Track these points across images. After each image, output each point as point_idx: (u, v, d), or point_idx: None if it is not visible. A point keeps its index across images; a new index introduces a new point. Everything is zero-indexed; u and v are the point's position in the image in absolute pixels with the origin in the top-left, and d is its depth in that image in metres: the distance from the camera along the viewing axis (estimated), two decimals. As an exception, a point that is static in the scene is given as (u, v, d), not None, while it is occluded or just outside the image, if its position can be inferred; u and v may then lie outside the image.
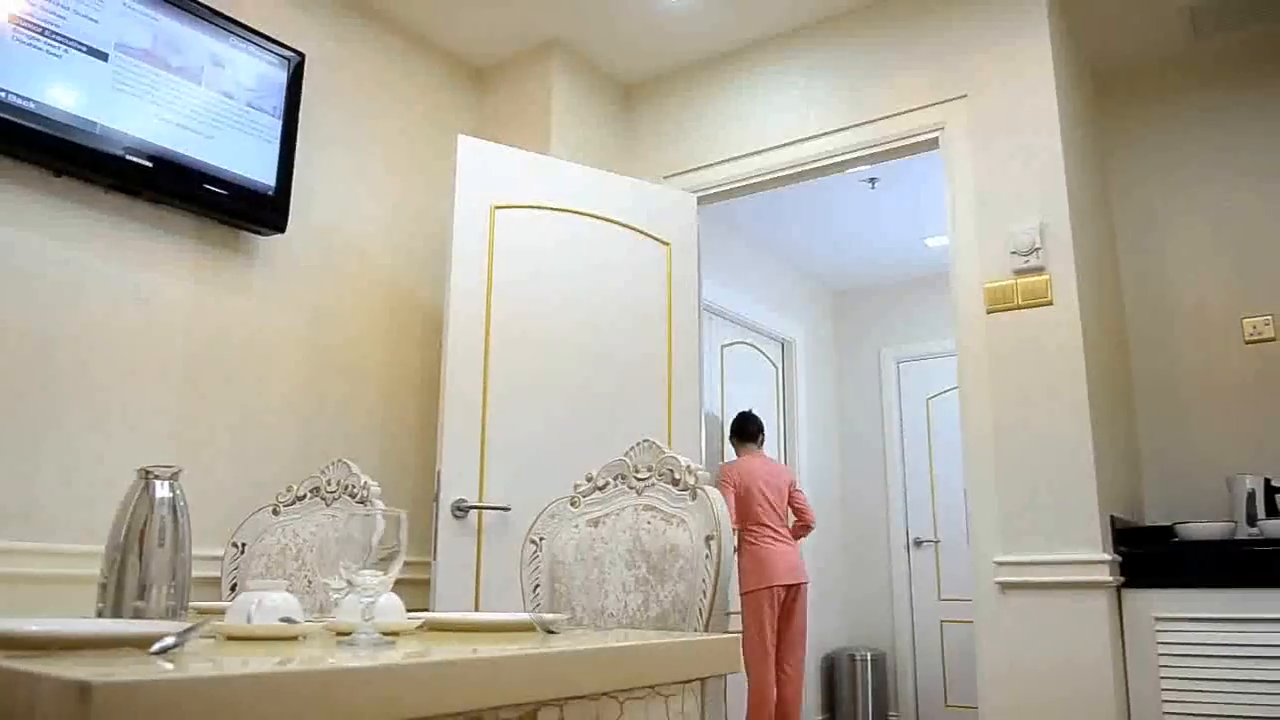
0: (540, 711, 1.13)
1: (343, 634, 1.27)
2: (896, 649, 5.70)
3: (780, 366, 5.74)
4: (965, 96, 2.99)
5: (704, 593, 1.79)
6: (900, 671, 5.69)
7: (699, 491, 1.88)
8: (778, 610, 4.30)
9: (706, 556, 1.81)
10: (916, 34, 3.15)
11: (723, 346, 5.24)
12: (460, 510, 2.76)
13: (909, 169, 4.38)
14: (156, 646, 1.01)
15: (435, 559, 2.72)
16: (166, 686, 0.79)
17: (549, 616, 1.45)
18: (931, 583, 5.64)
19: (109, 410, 2.45)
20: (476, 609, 2.70)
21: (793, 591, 4.36)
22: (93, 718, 0.74)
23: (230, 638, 1.26)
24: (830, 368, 6.25)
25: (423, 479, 3.19)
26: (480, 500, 2.79)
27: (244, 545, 2.44)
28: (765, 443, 4.80)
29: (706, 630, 1.76)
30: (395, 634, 1.38)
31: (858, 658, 5.51)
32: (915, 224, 5.20)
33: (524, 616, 1.46)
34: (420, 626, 1.44)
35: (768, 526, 4.40)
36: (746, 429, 4.69)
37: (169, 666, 0.92)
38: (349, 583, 1.20)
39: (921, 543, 5.35)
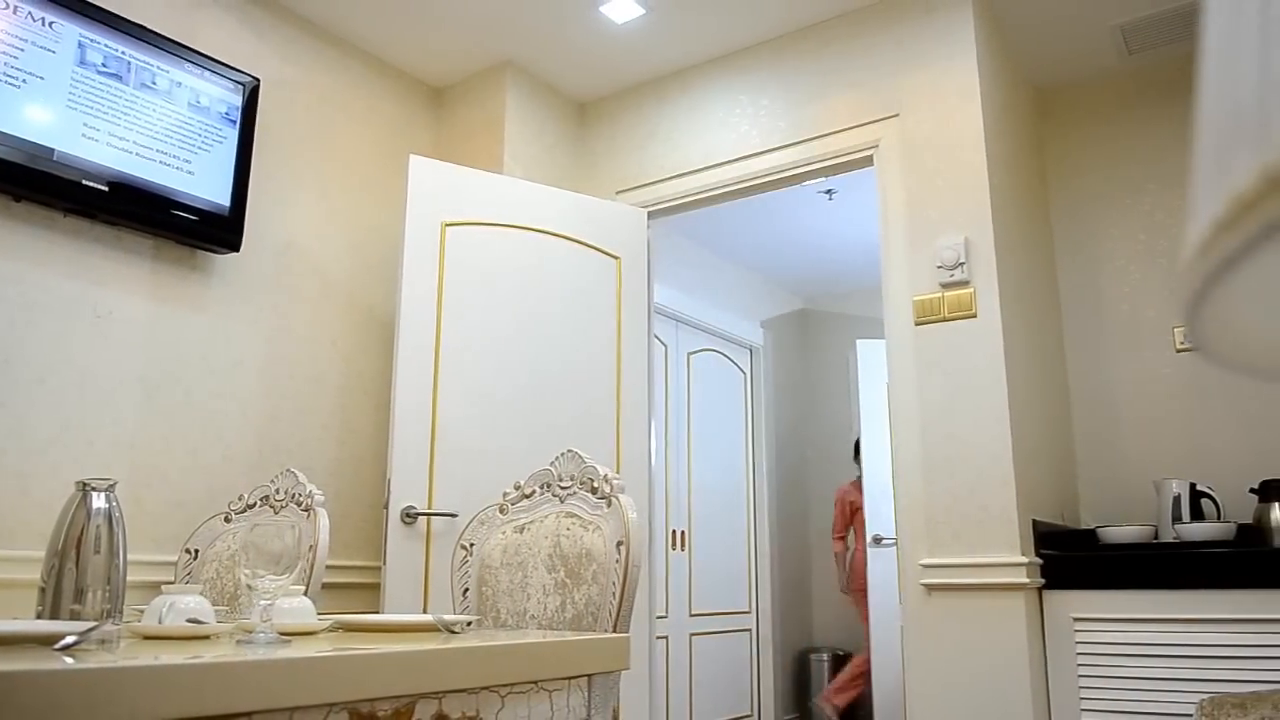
0: (418, 704, 1.25)
1: (248, 633, 1.38)
2: (870, 650, 5.80)
3: (748, 372, 5.86)
4: (897, 116, 3.11)
5: (614, 594, 1.90)
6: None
7: (614, 499, 1.99)
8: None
9: (617, 561, 1.92)
10: (851, 55, 3.27)
11: (689, 354, 5.36)
12: (409, 517, 2.87)
13: (866, 180, 4.49)
14: (59, 644, 1.12)
15: (385, 563, 2.84)
16: (45, 676, 0.91)
17: (450, 617, 1.56)
18: (892, 582, 5.74)
19: (67, 423, 2.56)
20: (425, 611, 2.81)
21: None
22: (-23, 704, 0.86)
23: (146, 637, 1.37)
24: (800, 372, 6.37)
25: (376, 486, 3.31)
26: (429, 507, 2.91)
27: (196, 551, 2.56)
28: (863, 462, 5.44)
29: (615, 630, 1.87)
30: (308, 634, 1.49)
31: (827, 657, 5.63)
32: (877, 232, 5.32)
33: (428, 618, 1.57)
34: (330, 627, 1.55)
35: (840, 539, 5.55)
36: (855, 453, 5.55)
37: (69, 661, 1.04)
38: (249, 586, 1.32)
39: (881, 540, 5.45)
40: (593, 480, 2.07)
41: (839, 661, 5.64)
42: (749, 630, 5.53)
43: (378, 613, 2.91)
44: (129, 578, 2.23)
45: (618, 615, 1.88)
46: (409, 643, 1.34)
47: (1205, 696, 1.94)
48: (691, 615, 5.07)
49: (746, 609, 5.53)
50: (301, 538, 1.38)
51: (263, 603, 1.30)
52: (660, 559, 4.86)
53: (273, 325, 3.09)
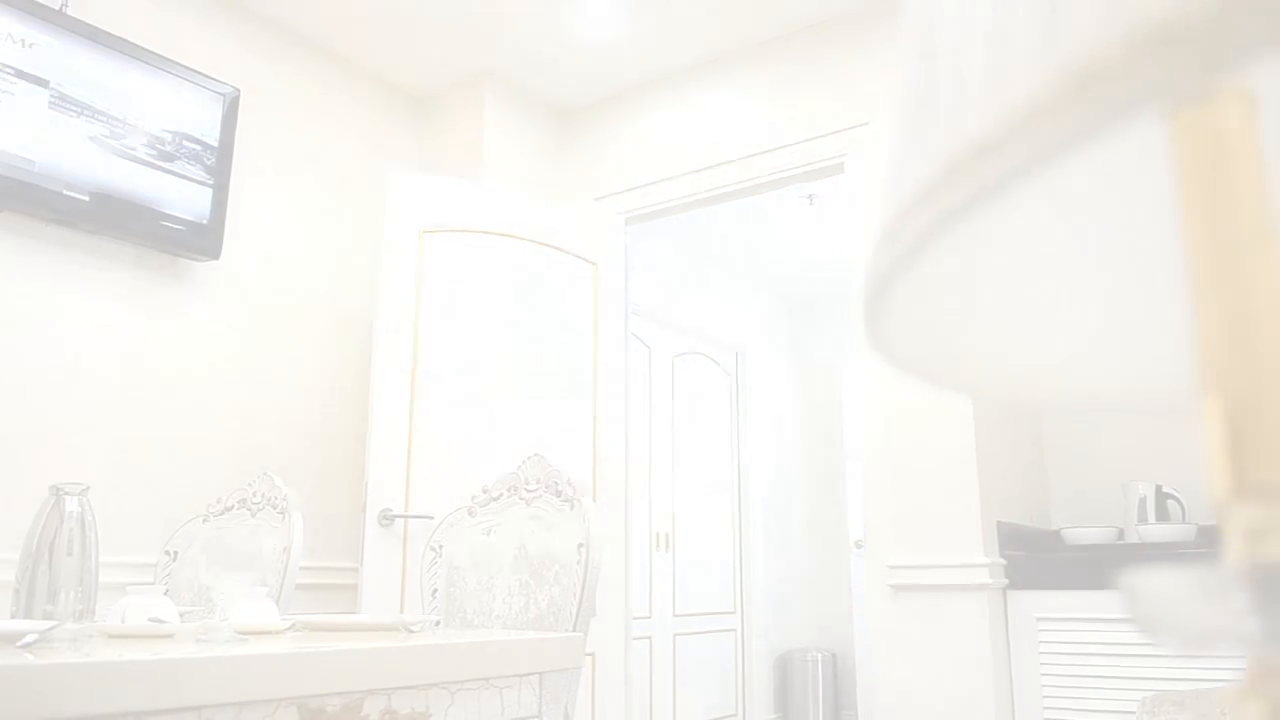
0: (367, 699, 1.30)
1: (208, 632, 1.44)
2: (855, 651, 5.86)
3: (735, 375, 5.91)
4: (867, 124, 3.17)
5: (574, 595, 1.96)
6: (844, 672, 5.86)
7: (576, 502, 2.05)
8: None
9: (578, 562, 1.98)
10: (823, 64, 3.33)
11: (674, 357, 5.41)
12: (386, 519, 2.93)
13: (848, 184, 4.55)
14: (21, 641, 1.18)
15: (362, 565, 2.89)
16: (2, 670, 0.97)
17: (410, 617, 1.62)
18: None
19: (48, 428, 2.62)
20: (402, 612, 2.87)
21: None
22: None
23: (111, 636, 1.43)
24: (788, 374, 6.42)
25: (356, 489, 3.36)
26: (406, 510, 2.96)
27: (176, 553, 2.61)
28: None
29: (575, 629, 1.93)
30: (267, 633, 1.55)
31: (810, 658, 5.68)
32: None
33: (388, 618, 1.63)
34: (290, 627, 1.61)
35: None
36: None
37: (29, 658, 1.10)
38: (209, 586, 1.37)
39: (860, 544, 5.50)
40: (557, 484, 2.13)
41: (822, 663, 5.69)
42: (734, 631, 5.59)
43: (355, 613, 2.97)
44: (109, 578, 2.28)
45: (577, 615, 1.94)
46: (364, 642, 1.39)
47: (1149, 694, 1.99)
48: (676, 615, 5.12)
49: (731, 610, 5.58)
50: (265, 540, 1.44)
51: (221, 602, 1.35)
52: (642, 560, 4.92)
53: (253, 331, 3.15)
